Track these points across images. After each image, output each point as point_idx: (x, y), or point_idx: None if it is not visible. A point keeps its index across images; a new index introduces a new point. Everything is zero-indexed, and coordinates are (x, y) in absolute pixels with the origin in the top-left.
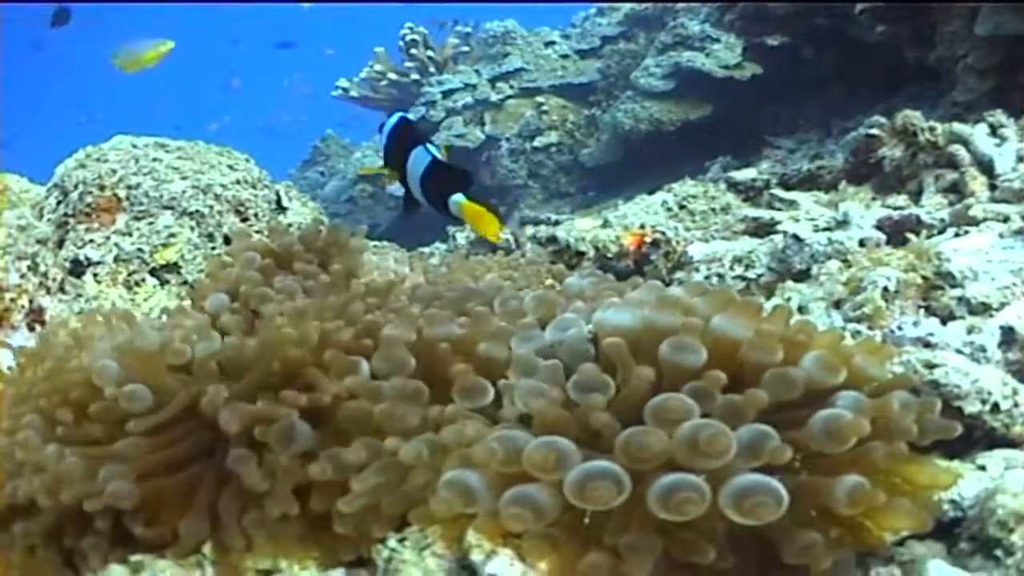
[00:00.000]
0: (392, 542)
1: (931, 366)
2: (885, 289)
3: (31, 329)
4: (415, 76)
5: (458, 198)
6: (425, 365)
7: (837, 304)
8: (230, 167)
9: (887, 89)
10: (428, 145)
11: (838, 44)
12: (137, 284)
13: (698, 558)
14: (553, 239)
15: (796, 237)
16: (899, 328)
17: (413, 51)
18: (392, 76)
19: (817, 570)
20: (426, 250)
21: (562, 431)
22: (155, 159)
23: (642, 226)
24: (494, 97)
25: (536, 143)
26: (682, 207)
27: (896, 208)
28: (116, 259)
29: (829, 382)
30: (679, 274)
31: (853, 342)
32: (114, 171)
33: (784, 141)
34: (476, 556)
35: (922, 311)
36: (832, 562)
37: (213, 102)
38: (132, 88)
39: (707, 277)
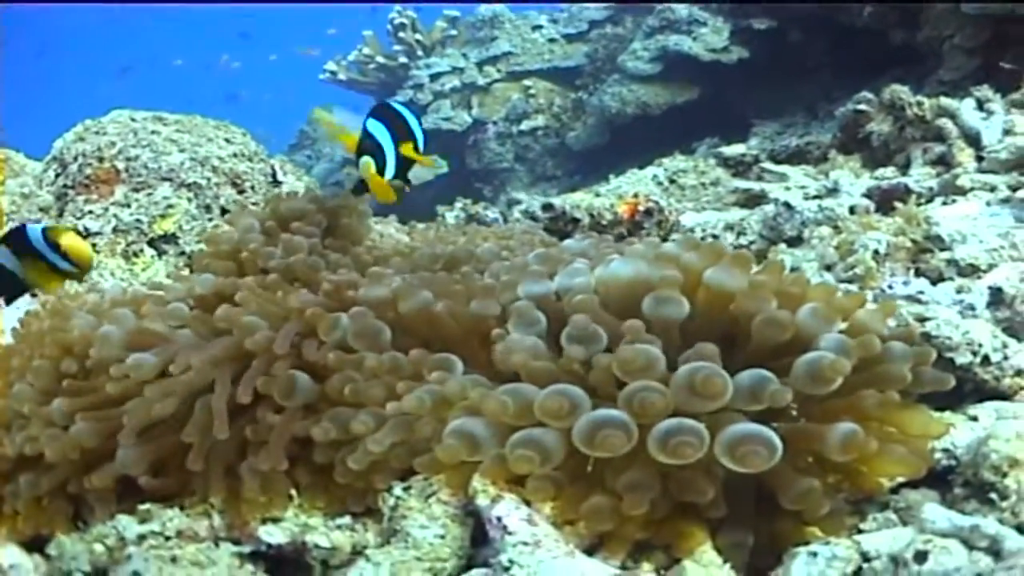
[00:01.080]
0: (398, 490)
1: (922, 319)
2: (876, 252)
3: (32, 295)
4: (403, 59)
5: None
6: (420, 328)
7: (828, 267)
8: (227, 140)
9: (873, 73)
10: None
11: (825, 28)
12: (135, 254)
13: (697, 497)
14: (549, 206)
15: (787, 205)
16: (890, 287)
17: (401, 34)
18: (380, 59)
19: (814, 515)
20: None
21: (548, 380)
22: (153, 132)
23: (636, 195)
24: (481, 81)
25: (523, 126)
26: (672, 181)
27: (885, 179)
28: (115, 230)
29: (824, 332)
30: (673, 236)
31: (847, 296)
32: (113, 143)
33: (770, 124)
34: (481, 501)
35: (912, 272)
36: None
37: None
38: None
39: (702, 238)
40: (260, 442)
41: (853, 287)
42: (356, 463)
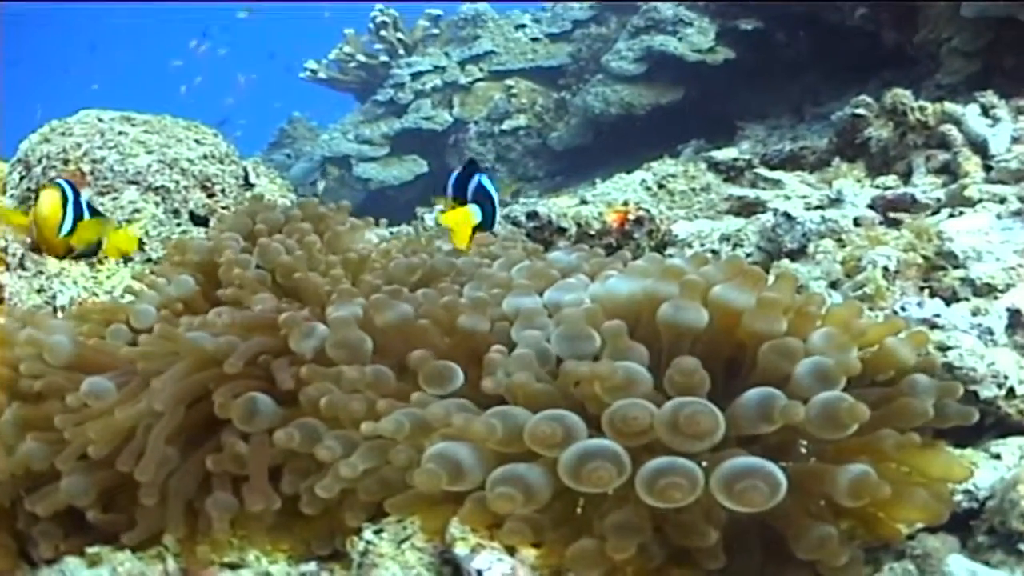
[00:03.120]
0: (368, 533)
1: (944, 348)
2: (885, 269)
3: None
4: (384, 58)
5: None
6: (396, 344)
7: (834, 284)
8: (197, 142)
9: (860, 75)
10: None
11: (812, 29)
12: (100, 262)
13: (697, 542)
14: (534, 214)
15: (787, 215)
16: (903, 309)
17: (383, 32)
18: (361, 58)
19: (831, 566)
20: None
21: (546, 403)
22: (121, 132)
23: (625, 203)
24: (463, 80)
25: (504, 126)
26: (661, 186)
27: (887, 188)
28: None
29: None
30: (670, 251)
31: (878, 322)
32: (79, 144)
33: (756, 126)
34: (460, 550)
35: (925, 292)
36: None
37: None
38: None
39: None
40: (222, 473)
41: (864, 307)
42: (325, 490)
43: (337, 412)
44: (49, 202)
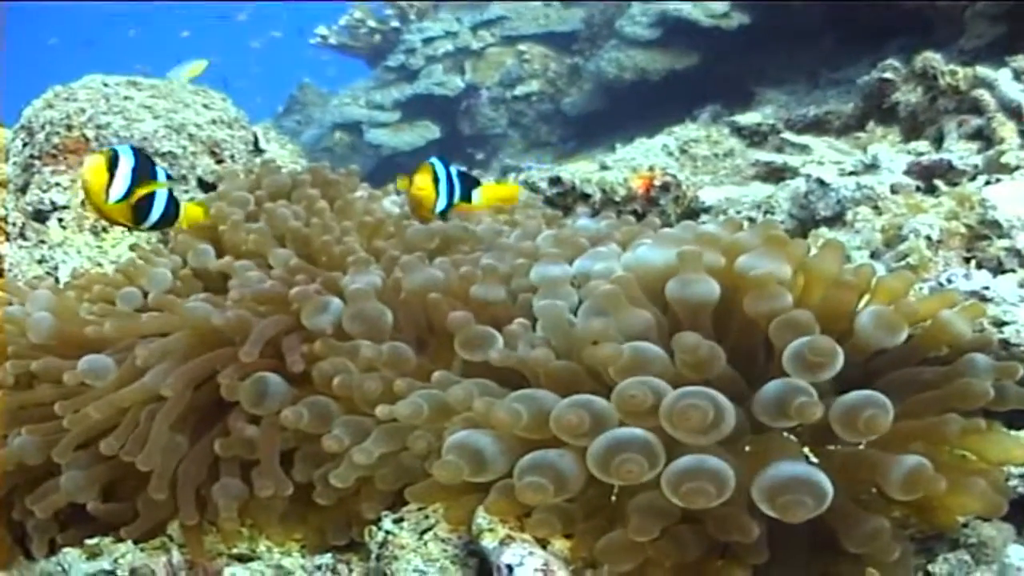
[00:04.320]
0: (388, 523)
1: (1000, 323)
2: (928, 238)
3: None
4: (395, 24)
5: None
6: (418, 316)
7: (874, 254)
8: (205, 106)
9: (876, 40)
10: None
11: None
12: (104, 230)
13: (739, 536)
14: (557, 180)
15: (820, 181)
16: (948, 280)
17: None
18: (372, 24)
19: (882, 560)
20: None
21: (568, 381)
22: (126, 97)
23: (651, 168)
24: (475, 45)
25: (517, 92)
26: (684, 151)
27: (920, 154)
28: (83, 203)
29: (885, 343)
30: (703, 219)
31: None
32: (83, 110)
33: (771, 92)
34: (488, 542)
35: (972, 263)
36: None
37: None
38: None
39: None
40: (231, 458)
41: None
42: (340, 479)
43: (351, 392)
44: (92, 167)
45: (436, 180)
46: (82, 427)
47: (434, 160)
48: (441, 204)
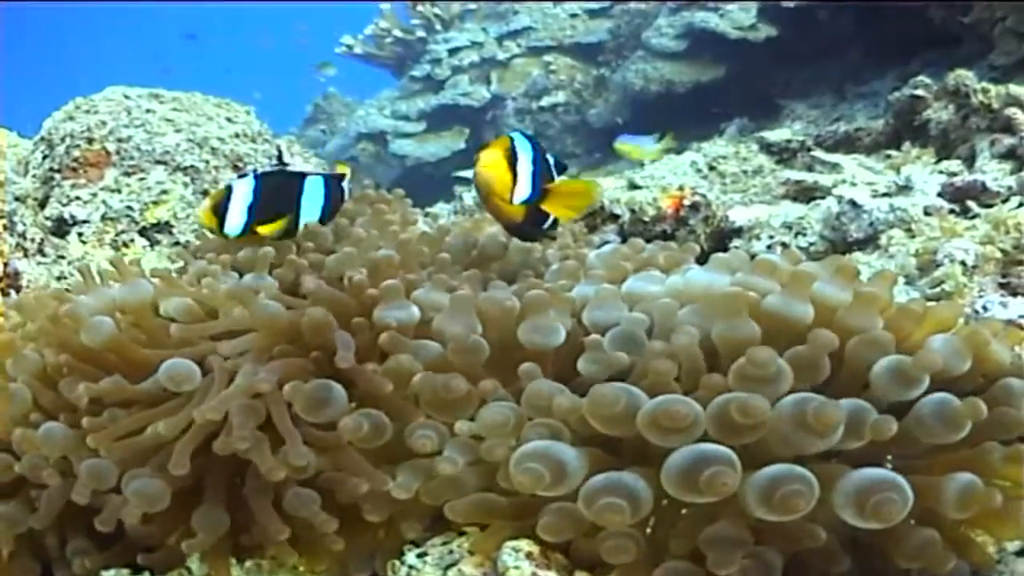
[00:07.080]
0: (411, 557)
1: None
2: (963, 263)
3: (5, 295)
4: (421, 33)
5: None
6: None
7: (908, 280)
8: (228, 120)
9: (903, 54)
10: None
11: (855, 7)
12: (125, 244)
13: (808, 542)
14: None
15: (853, 202)
16: (984, 308)
17: (419, 7)
18: (397, 33)
19: (938, 571)
20: (431, 210)
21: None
22: (148, 110)
23: (680, 187)
24: (501, 56)
25: (543, 102)
26: (712, 168)
27: (953, 174)
28: (103, 217)
29: (956, 370)
30: (736, 242)
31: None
32: (104, 123)
33: (798, 105)
34: None
35: (1009, 291)
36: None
37: None
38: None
39: (769, 247)
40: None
41: None
42: (430, 496)
43: (433, 390)
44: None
45: (514, 159)
46: (194, 433)
47: (515, 134)
48: (522, 192)
